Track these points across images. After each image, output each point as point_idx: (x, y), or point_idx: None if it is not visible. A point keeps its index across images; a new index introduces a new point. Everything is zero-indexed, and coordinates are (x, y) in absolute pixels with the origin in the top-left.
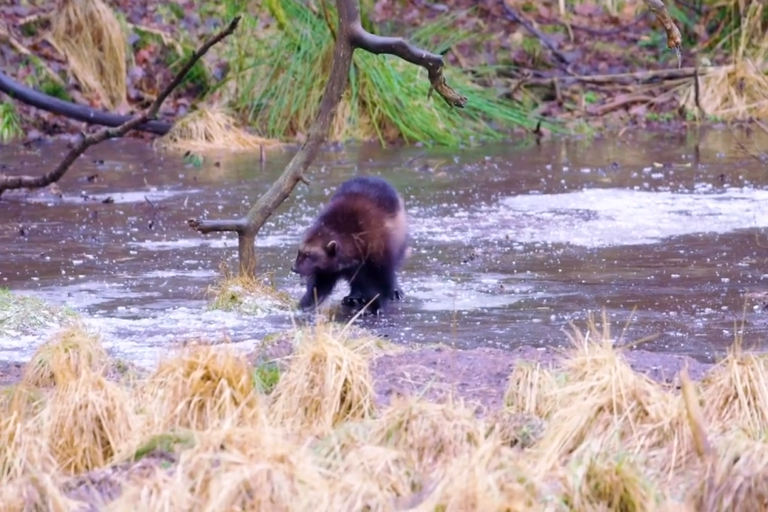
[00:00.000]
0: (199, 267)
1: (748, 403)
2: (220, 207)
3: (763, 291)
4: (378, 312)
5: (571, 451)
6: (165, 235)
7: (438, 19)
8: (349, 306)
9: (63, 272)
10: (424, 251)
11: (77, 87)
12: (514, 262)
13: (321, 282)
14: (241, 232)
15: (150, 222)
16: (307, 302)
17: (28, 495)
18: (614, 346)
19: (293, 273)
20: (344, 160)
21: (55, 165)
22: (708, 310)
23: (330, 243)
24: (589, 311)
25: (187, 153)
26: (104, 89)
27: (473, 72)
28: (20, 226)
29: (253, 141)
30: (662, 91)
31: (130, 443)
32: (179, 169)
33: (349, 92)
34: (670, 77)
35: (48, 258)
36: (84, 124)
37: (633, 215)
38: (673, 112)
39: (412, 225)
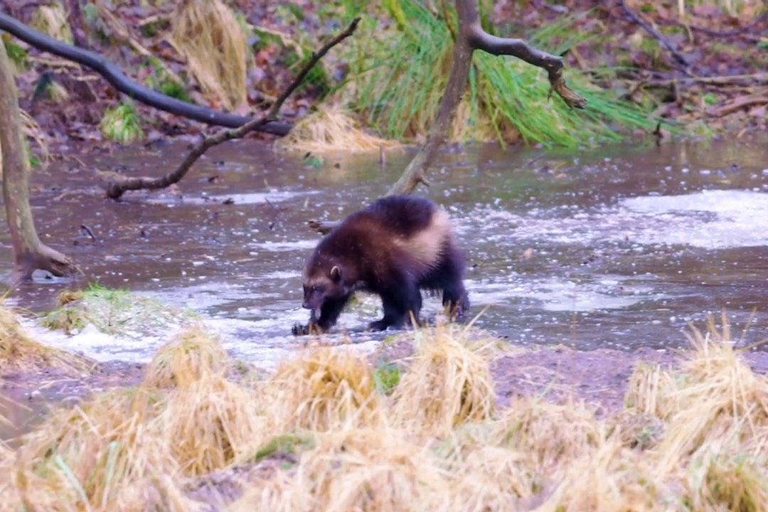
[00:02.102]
0: None
1: None
2: (340, 208)
3: None
4: (387, 328)
5: (691, 453)
6: (285, 236)
7: (558, 21)
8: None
9: (183, 273)
10: (544, 253)
11: (197, 88)
12: (633, 264)
13: (327, 306)
14: None
15: (270, 223)
16: (318, 323)
17: (149, 496)
18: (734, 348)
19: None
20: (464, 161)
21: (175, 166)
22: None
23: (333, 269)
24: (709, 312)
25: (308, 154)
26: (224, 90)
27: (593, 73)
28: (141, 227)
29: (373, 142)
30: None
31: (250, 444)
32: (299, 170)
33: (468, 93)
34: None
35: (168, 259)
36: (204, 125)
37: (753, 216)
38: None
39: (532, 226)
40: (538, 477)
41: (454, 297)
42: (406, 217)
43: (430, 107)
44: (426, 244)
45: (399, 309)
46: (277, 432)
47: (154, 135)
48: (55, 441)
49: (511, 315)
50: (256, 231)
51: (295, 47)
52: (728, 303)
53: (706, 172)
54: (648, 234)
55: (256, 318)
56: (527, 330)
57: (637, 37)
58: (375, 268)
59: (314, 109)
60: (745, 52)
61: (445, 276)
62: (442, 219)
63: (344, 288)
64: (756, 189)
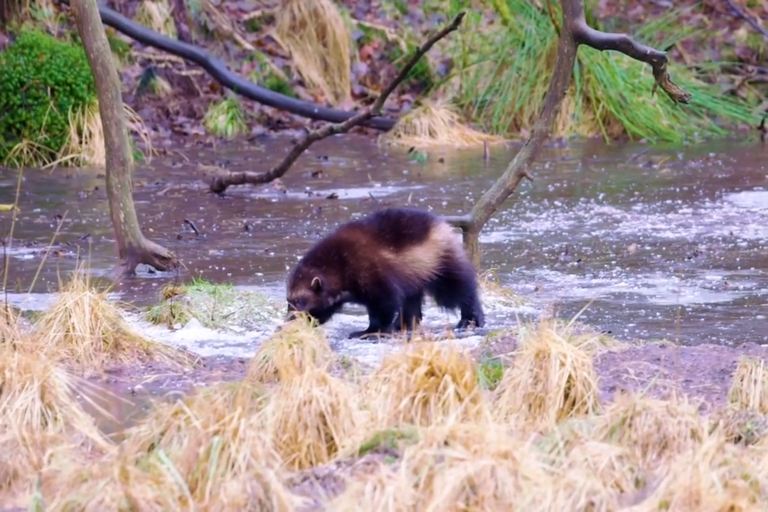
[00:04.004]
0: None
1: None
2: (443, 203)
3: None
4: (363, 336)
5: None
6: None
7: (662, 16)
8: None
9: (287, 268)
10: (648, 248)
11: (301, 83)
12: (738, 259)
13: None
14: (465, 228)
15: None
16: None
17: (252, 490)
18: None
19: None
20: (568, 156)
21: (279, 161)
22: None
23: (314, 280)
24: None
25: (411, 149)
26: (328, 85)
27: (697, 68)
28: (244, 221)
29: (477, 137)
30: None
31: (354, 439)
32: (403, 165)
33: (573, 88)
34: None
35: (272, 253)
36: (308, 120)
37: None
38: None
39: (636, 222)
40: (641, 472)
41: (464, 312)
42: (400, 230)
43: (535, 102)
44: (419, 259)
45: (383, 320)
46: (380, 426)
47: (258, 130)
48: (158, 436)
49: (614, 311)
50: None
51: (399, 42)
52: None
53: None
54: (752, 229)
55: (359, 313)
56: (631, 325)
57: (741, 32)
58: (359, 279)
59: (418, 103)
60: None
61: (452, 290)
62: (441, 233)
63: (328, 299)
64: None
